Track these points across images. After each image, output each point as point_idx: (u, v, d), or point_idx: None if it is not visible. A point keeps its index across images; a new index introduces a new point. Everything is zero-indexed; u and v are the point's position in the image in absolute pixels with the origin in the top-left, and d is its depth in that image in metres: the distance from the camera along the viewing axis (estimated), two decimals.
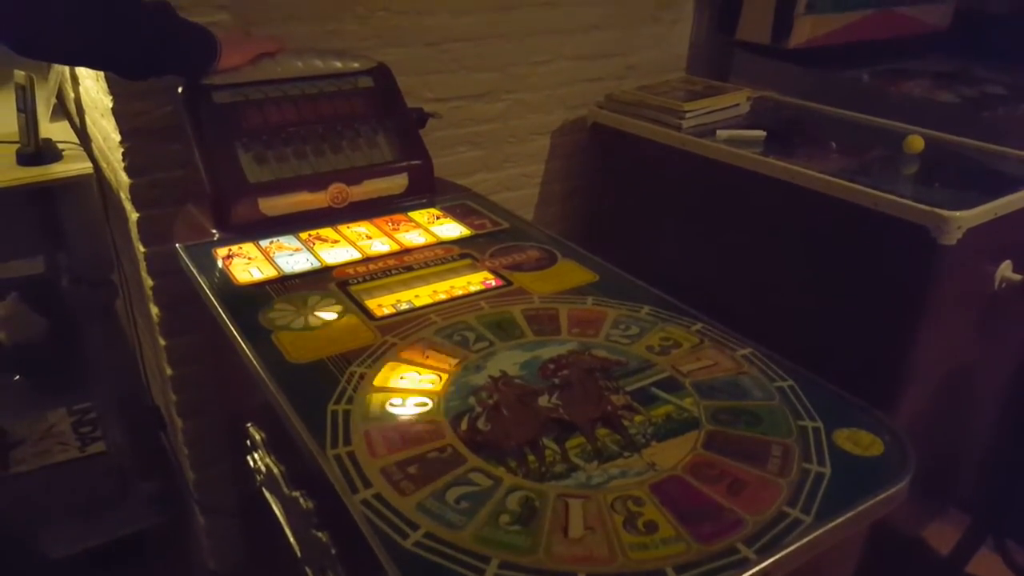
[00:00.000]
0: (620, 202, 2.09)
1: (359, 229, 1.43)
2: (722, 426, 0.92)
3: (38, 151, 1.76)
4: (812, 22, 2.12)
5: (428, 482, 0.82)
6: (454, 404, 0.95)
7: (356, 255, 1.33)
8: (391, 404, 0.95)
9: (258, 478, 1.14)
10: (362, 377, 1.00)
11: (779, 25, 2.11)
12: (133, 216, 1.56)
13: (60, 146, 1.83)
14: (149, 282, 1.61)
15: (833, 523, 0.79)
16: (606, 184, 2.13)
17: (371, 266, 1.29)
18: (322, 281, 1.24)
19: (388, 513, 0.78)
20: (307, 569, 1.00)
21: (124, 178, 1.53)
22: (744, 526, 0.77)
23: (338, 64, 1.54)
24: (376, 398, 0.96)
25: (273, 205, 1.41)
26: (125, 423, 2.03)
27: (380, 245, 1.37)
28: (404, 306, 1.18)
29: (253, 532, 1.53)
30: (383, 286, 1.24)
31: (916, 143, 1.70)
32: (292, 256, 1.31)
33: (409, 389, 0.98)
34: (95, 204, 1.83)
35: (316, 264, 1.29)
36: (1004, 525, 1.94)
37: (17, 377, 2.15)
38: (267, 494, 1.12)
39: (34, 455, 1.93)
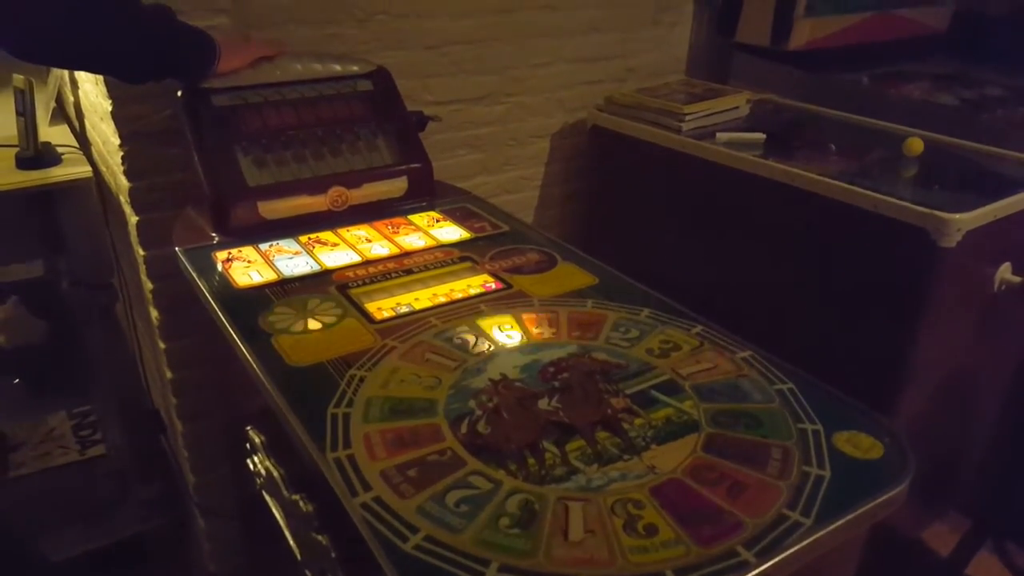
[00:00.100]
0: (620, 205, 2.09)
1: (359, 232, 1.43)
2: (722, 429, 0.92)
3: (37, 155, 1.76)
4: (811, 24, 2.13)
5: (428, 485, 0.82)
6: (454, 407, 0.95)
7: (356, 258, 1.33)
8: (391, 407, 0.95)
9: (258, 481, 1.14)
10: (362, 380, 1.00)
11: (778, 27, 2.11)
12: (132, 220, 1.56)
13: (59, 150, 1.82)
14: (149, 285, 1.61)
15: (833, 526, 0.79)
16: (606, 187, 2.13)
17: (371, 269, 1.29)
18: (322, 284, 1.24)
19: (388, 516, 0.78)
20: (307, 572, 1.00)
21: (123, 182, 1.53)
22: (744, 529, 0.77)
23: (337, 67, 1.54)
24: (376, 401, 0.96)
25: (272, 208, 1.41)
26: (125, 426, 2.03)
27: (380, 248, 1.37)
28: (404, 309, 1.18)
29: (253, 535, 1.53)
30: (383, 289, 1.24)
31: (915, 145, 1.70)
32: (292, 259, 1.32)
33: (409, 392, 0.98)
34: (94, 208, 1.83)
35: (316, 267, 1.29)
36: (1004, 527, 1.94)
37: (17, 380, 2.15)
38: (267, 497, 1.12)
39: (34, 458, 1.93)
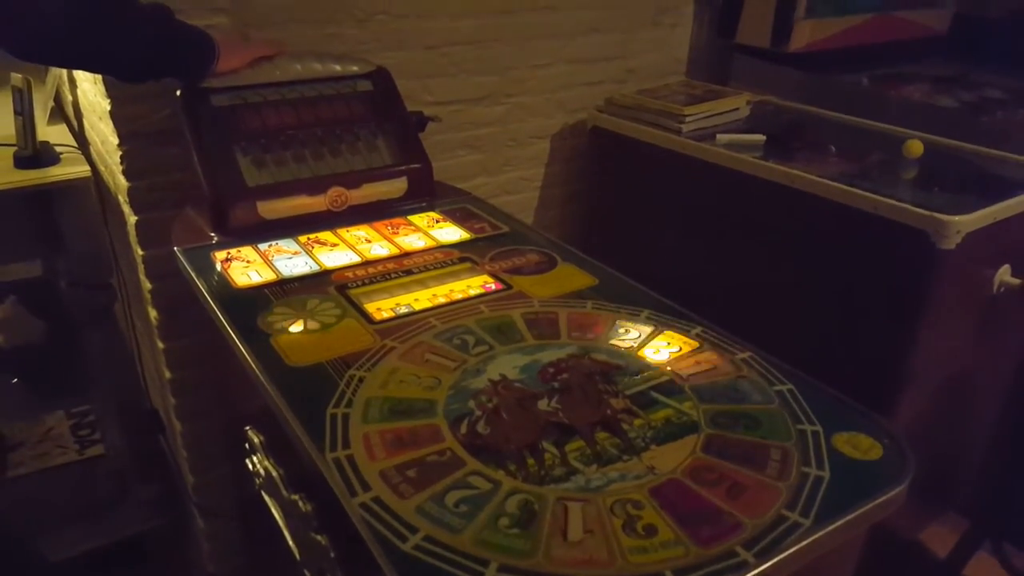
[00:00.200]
0: (620, 206, 2.09)
1: (358, 233, 1.43)
2: (721, 430, 0.92)
3: (36, 154, 1.76)
4: (812, 26, 2.13)
5: (427, 485, 0.82)
6: (453, 408, 0.95)
7: (355, 259, 1.33)
8: (390, 408, 0.95)
9: (257, 481, 1.14)
10: (361, 380, 1.00)
11: (779, 29, 2.11)
12: (131, 219, 1.56)
13: (58, 149, 1.82)
14: (147, 285, 1.61)
15: (832, 526, 0.79)
16: (606, 188, 2.13)
17: (370, 270, 1.29)
18: (321, 285, 1.24)
19: (387, 516, 0.78)
20: (306, 572, 1.00)
21: (122, 181, 1.53)
22: (743, 529, 0.77)
23: (337, 67, 1.54)
24: (375, 402, 0.96)
25: (272, 208, 1.41)
26: (124, 426, 2.03)
27: (379, 249, 1.37)
28: (403, 310, 1.18)
29: (252, 535, 1.53)
30: (382, 290, 1.24)
31: (915, 147, 1.71)
32: (291, 260, 1.31)
33: (408, 392, 0.98)
34: (93, 207, 1.83)
35: (315, 268, 1.29)
36: (1002, 528, 1.94)
37: (15, 380, 2.15)
38: (266, 497, 1.11)
39: (33, 458, 1.92)
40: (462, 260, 1.34)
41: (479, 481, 0.83)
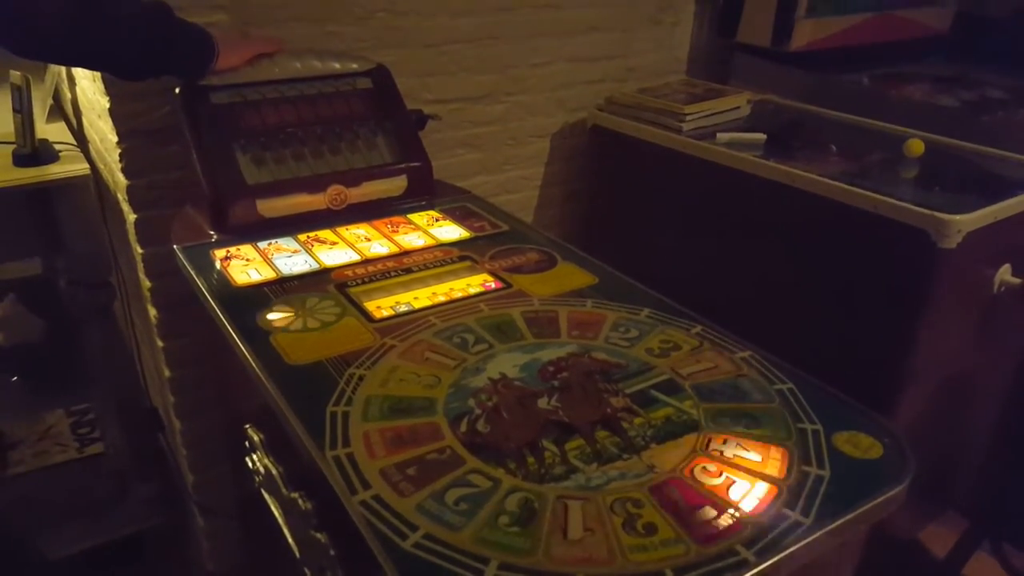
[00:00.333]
0: (620, 205, 2.09)
1: (358, 231, 1.42)
2: (722, 428, 0.92)
3: (35, 152, 1.75)
4: (812, 25, 2.13)
5: (427, 483, 0.82)
6: (453, 406, 0.95)
7: (355, 257, 1.33)
8: (390, 406, 0.95)
9: (257, 479, 1.14)
10: (361, 379, 1.00)
11: (779, 28, 2.11)
12: (131, 217, 1.56)
13: (57, 147, 1.82)
14: (147, 283, 1.61)
15: (832, 525, 0.79)
16: (606, 187, 2.13)
17: (370, 268, 1.29)
18: (321, 283, 1.24)
19: (387, 514, 0.78)
20: (306, 570, 1.00)
21: (121, 179, 1.53)
22: (743, 528, 0.77)
23: (337, 65, 1.54)
24: (375, 400, 0.96)
25: (271, 207, 1.41)
26: (123, 424, 2.03)
27: (379, 247, 1.37)
28: (403, 308, 1.18)
29: (252, 533, 1.53)
30: (382, 288, 1.23)
31: (916, 147, 1.70)
32: (290, 258, 1.31)
33: (408, 391, 0.98)
34: (92, 205, 1.83)
35: (315, 266, 1.29)
36: (1001, 528, 1.94)
37: (15, 378, 2.15)
38: (266, 495, 1.11)
39: (32, 456, 1.92)
40: (462, 259, 1.34)
41: (479, 479, 0.83)
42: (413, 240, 1.40)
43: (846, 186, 1.53)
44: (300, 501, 0.95)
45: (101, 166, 1.78)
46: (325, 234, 1.40)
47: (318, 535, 0.92)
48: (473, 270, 1.30)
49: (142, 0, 1.25)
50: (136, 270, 1.65)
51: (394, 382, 0.99)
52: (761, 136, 1.83)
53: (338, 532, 0.88)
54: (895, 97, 2.12)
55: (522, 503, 0.80)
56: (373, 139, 1.54)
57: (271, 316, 1.13)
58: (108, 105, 1.46)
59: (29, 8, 1.13)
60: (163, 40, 1.28)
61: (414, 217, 1.50)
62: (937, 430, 1.67)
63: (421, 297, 1.21)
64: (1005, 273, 1.59)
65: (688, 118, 1.89)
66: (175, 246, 1.34)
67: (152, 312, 1.64)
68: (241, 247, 1.34)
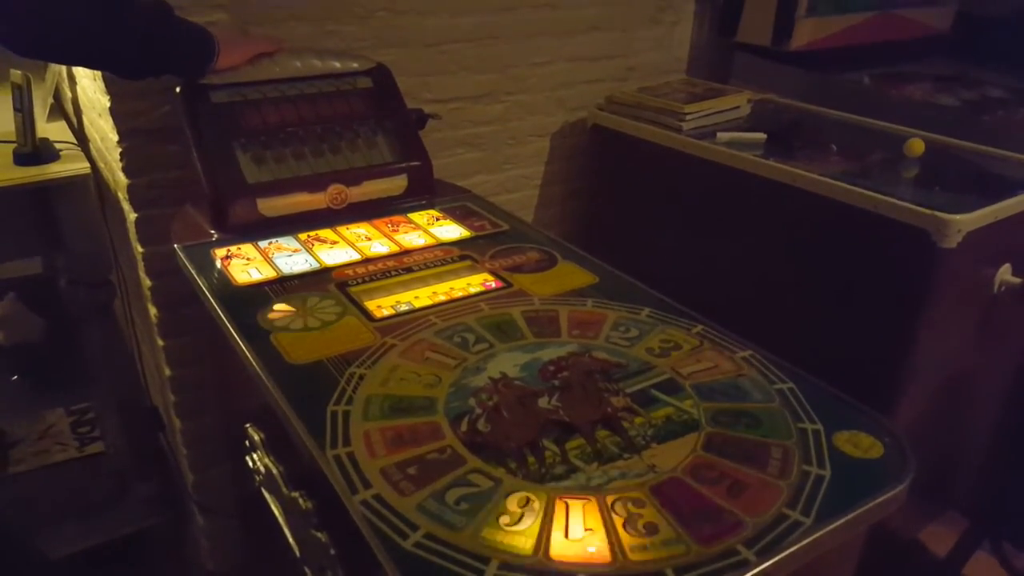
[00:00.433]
0: (620, 204, 2.09)
1: (358, 230, 1.42)
2: (722, 428, 0.92)
3: (35, 151, 1.75)
4: (813, 24, 2.13)
5: (428, 483, 0.82)
6: (454, 405, 0.95)
7: (355, 256, 1.33)
8: (391, 405, 0.95)
9: (257, 479, 1.14)
10: (361, 378, 1.00)
11: (780, 27, 2.11)
12: (131, 216, 1.56)
13: (57, 146, 1.82)
14: (147, 282, 1.61)
15: (833, 525, 0.79)
16: (606, 186, 2.13)
17: (370, 267, 1.29)
18: (321, 282, 1.24)
19: (388, 514, 0.78)
20: (306, 569, 1.00)
21: (122, 178, 1.53)
22: (744, 528, 0.77)
23: (337, 64, 1.54)
24: (375, 399, 0.96)
25: (272, 206, 1.41)
26: (124, 423, 2.02)
27: (379, 246, 1.37)
28: (403, 307, 1.18)
29: (252, 533, 1.53)
30: (382, 287, 1.23)
31: (916, 146, 1.70)
32: (291, 257, 1.31)
33: (408, 390, 0.98)
34: (93, 204, 1.83)
35: (315, 265, 1.29)
36: (1001, 528, 1.94)
37: (15, 377, 2.15)
38: (266, 495, 1.11)
39: (32, 455, 1.92)
40: (462, 258, 1.34)
41: (480, 479, 0.83)
42: (413, 239, 1.40)
43: (846, 186, 1.53)
44: (300, 500, 0.95)
45: (102, 165, 1.78)
46: (326, 233, 1.40)
47: (318, 534, 0.92)
48: (473, 269, 1.30)
49: (142, 0, 1.25)
50: (136, 269, 1.65)
51: (395, 381, 0.99)
52: (761, 136, 1.83)
53: (339, 531, 0.88)
54: (895, 97, 2.12)
55: (523, 503, 0.80)
56: (373, 138, 1.54)
57: (271, 315, 1.13)
58: (109, 104, 1.46)
59: (30, 7, 1.13)
60: (164, 39, 1.28)
61: (414, 216, 1.50)
62: (937, 430, 1.67)
63: (421, 296, 1.21)
64: (1005, 273, 1.59)
65: (688, 117, 1.89)
66: (175, 245, 1.34)
67: (152, 311, 1.64)
68: (242, 246, 1.34)
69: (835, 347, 1.42)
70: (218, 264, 1.28)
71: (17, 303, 2.16)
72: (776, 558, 0.74)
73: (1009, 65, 2.26)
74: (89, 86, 1.67)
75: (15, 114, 1.75)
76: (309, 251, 1.33)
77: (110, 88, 1.45)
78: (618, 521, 0.78)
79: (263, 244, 1.35)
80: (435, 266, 1.30)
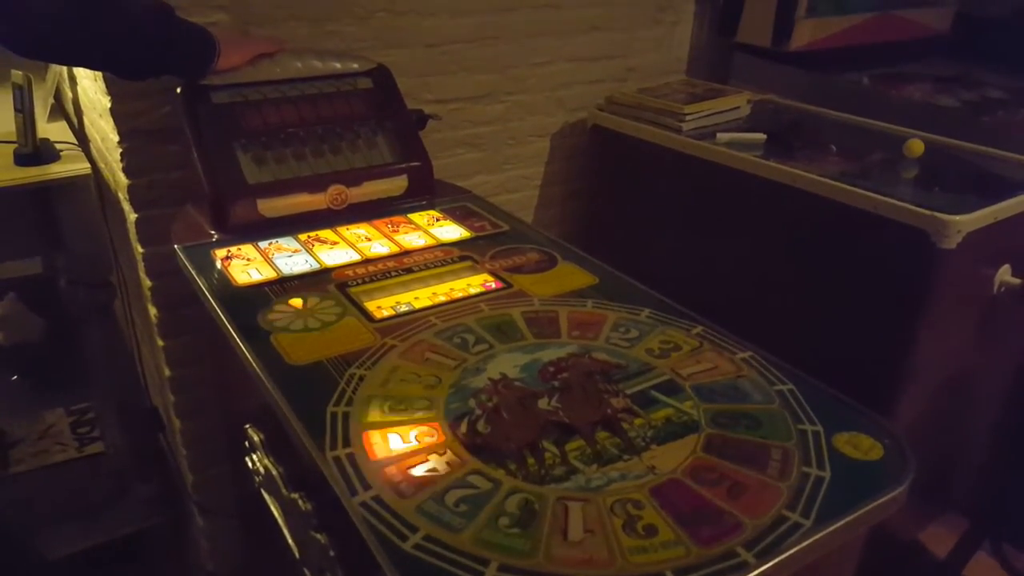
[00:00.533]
0: (620, 205, 2.09)
1: (358, 231, 1.42)
2: (722, 429, 0.92)
3: (36, 151, 1.76)
4: (813, 25, 2.13)
5: (427, 484, 0.82)
6: (454, 406, 0.95)
7: (355, 257, 1.33)
8: (390, 406, 0.95)
9: (257, 479, 1.14)
10: (361, 379, 1.00)
11: (780, 28, 2.11)
12: (131, 217, 1.56)
13: (58, 146, 1.82)
14: (147, 283, 1.61)
15: (833, 527, 0.79)
16: (606, 186, 2.13)
17: (370, 268, 1.29)
18: (321, 283, 1.24)
19: (387, 515, 0.78)
20: (306, 571, 1.00)
21: (122, 179, 1.53)
22: (744, 530, 0.77)
23: (337, 65, 1.54)
24: (375, 400, 0.96)
25: (272, 206, 1.41)
26: (123, 424, 2.02)
27: (379, 247, 1.37)
28: (403, 308, 1.18)
29: (252, 534, 1.53)
30: (382, 288, 1.23)
31: (916, 147, 1.70)
32: (291, 257, 1.31)
33: (408, 391, 0.98)
34: (93, 204, 1.83)
35: (315, 266, 1.29)
36: (1001, 528, 1.94)
37: (15, 377, 2.15)
38: (266, 495, 1.11)
39: (32, 455, 1.92)
40: (462, 258, 1.34)
41: (479, 480, 0.83)
42: (413, 240, 1.40)
43: (846, 186, 1.53)
44: (300, 501, 0.95)
45: (102, 165, 1.78)
46: (326, 234, 1.40)
47: (318, 536, 0.92)
48: (473, 270, 1.30)
49: (143, 0, 1.25)
50: (137, 269, 1.65)
51: (394, 382, 0.99)
52: (761, 136, 1.83)
53: (338, 533, 0.88)
54: (895, 97, 2.12)
55: (522, 504, 0.80)
56: (374, 139, 1.54)
57: (271, 316, 1.13)
58: (109, 104, 1.46)
59: (31, 7, 1.13)
60: (164, 40, 1.28)
61: (414, 217, 1.50)
62: (937, 430, 1.67)
63: (421, 297, 1.21)
64: (1005, 273, 1.59)
65: (688, 118, 1.89)
66: (176, 245, 1.34)
67: (152, 311, 1.64)
68: (242, 247, 1.34)
69: (835, 348, 1.42)
70: (218, 264, 1.28)
71: (17, 303, 2.16)
72: (776, 560, 0.74)
73: (1009, 65, 2.26)
74: (90, 86, 1.67)
75: (16, 114, 1.75)
76: (309, 252, 1.33)
77: (111, 88, 1.45)
78: (617, 523, 0.78)
79: (263, 245, 1.35)
80: (435, 267, 1.30)
